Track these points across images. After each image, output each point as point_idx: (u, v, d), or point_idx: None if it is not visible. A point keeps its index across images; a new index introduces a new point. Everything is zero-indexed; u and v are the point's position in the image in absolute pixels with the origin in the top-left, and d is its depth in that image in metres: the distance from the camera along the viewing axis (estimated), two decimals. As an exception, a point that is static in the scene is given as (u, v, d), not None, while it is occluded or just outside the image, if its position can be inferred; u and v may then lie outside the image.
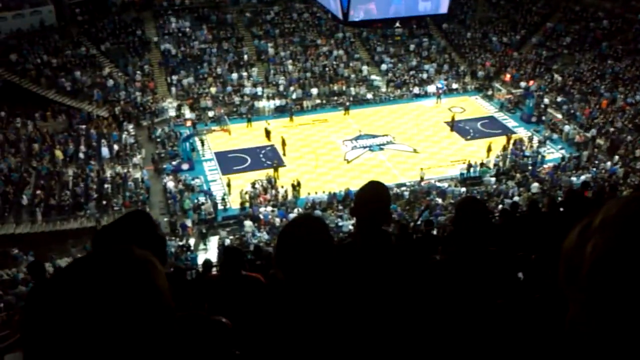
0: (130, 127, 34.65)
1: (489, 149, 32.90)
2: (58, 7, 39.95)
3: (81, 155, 31.53)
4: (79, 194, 28.32)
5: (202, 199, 29.04)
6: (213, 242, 26.46)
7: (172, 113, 37.11)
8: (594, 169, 30.19)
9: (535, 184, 28.45)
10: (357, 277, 2.73)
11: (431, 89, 40.87)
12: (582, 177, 27.98)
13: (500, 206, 22.09)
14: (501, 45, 43.96)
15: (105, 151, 31.97)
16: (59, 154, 30.87)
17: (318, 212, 27.36)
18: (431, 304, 3.09)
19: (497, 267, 3.41)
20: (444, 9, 33.18)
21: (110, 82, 37.31)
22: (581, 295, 0.97)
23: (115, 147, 32.54)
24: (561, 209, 9.33)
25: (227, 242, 25.00)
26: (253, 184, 29.79)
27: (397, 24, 35.29)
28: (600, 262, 0.94)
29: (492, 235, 3.38)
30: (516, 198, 26.26)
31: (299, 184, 29.78)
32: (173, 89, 38.77)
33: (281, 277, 2.23)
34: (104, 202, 28.19)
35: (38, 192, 27.70)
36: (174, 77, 39.27)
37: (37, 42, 37.87)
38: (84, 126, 33.89)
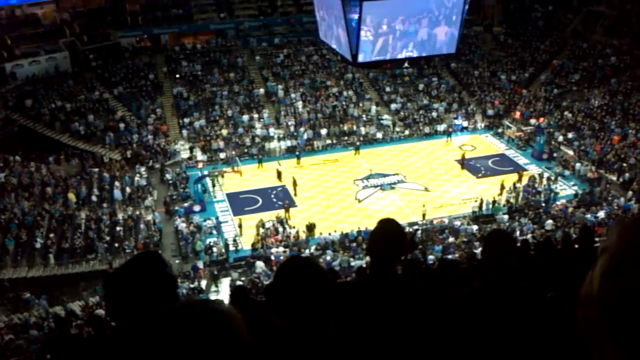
0: (143, 169, 34.92)
1: (502, 187, 32.77)
2: (73, 53, 40.89)
3: (94, 198, 31.71)
4: (91, 236, 28.39)
5: (213, 239, 29.01)
6: (225, 283, 26.29)
7: (184, 155, 37.43)
8: (608, 206, 29.91)
9: (550, 221, 28.20)
10: (368, 317, 2.67)
11: (442, 127, 41.03)
12: (601, 214, 27.82)
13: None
14: (510, 83, 44.24)
15: (117, 194, 32.17)
16: (72, 197, 31.07)
17: (329, 252, 27.23)
18: (455, 338, 3.02)
19: (527, 303, 3.33)
20: (452, 48, 33.49)
21: (123, 126, 37.82)
22: (597, 325, 0.97)
23: (128, 189, 32.75)
24: (576, 246, 9.20)
25: (239, 283, 24.84)
26: (263, 224, 29.74)
27: (406, 64, 35.59)
28: (607, 281, 0.97)
29: (523, 270, 3.32)
30: (530, 236, 25.99)
31: (313, 225, 29.69)
32: (185, 132, 39.19)
33: (279, 323, 2.18)
34: (116, 245, 28.23)
35: (51, 235, 27.79)
36: (186, 120, 39.75)
37: (51, 87, 38.63)
38: (96, 169, 34.20)
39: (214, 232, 30.11)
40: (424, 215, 30.68)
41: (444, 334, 2.98)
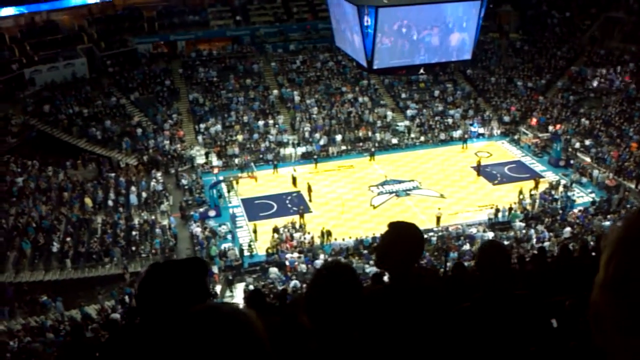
0: (159, 174, 35.14)
1: (520, 193, 32.55)
2: (90, 60, 41.33)
3: (110, 202, 31.96)
4: (107, 241, 28.61)
5: (228, 245, 29.10)
6: (239, 289, 26.34)
7: (199, 161, 37.62)
8: (626, 214, 29.56)
9: (567, 229, 27.93)
10: (389, 323, 2.67)
11: (457, 134, 40.87)
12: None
13: (532, 251, 21.68)
14: (526, 90, 43.97)
15: (133, 198, 32.39)
16: (88, 201, 31.35)
17: (342, 258, 27.19)
18: (462, 351, 3.00)
19: (527, 312, 3.31)
20: (467, 55, 33.45)
21: (139, 131, 38.11)
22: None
23: (144, 194, 32.97)
24: (593, 254, 9.11)
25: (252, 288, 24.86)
26: (277, 230, 29.78)
27: (422, 71, 35.57)
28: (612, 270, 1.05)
29: (516, 279, 3.33)
30: (547, 243, 25.76)
31: (329, 232, 29.66)
32: (200, 137, 39.40)
33: (308, 325, 2.18)
34: (132, 249, 28.41)
35: (67, 239, 28.05)
36: (202, 126, 39.97)
37: (69, 93, 39.05)
38: (113, 174, 34.47)
39: (229, 236, 30.17)
40: (438, 219, 30.68)
41: (454, 341, 2.97)
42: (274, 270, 26.50)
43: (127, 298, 24.68)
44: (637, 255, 1.03)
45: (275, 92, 43.48)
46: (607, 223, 27.74)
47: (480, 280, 3.31)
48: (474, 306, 3.36)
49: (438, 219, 30.91)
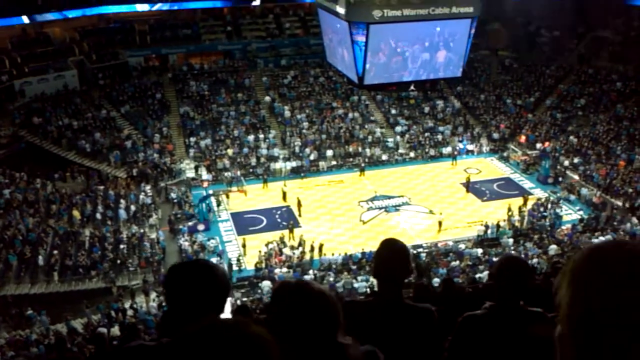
0: (148, 187, 34.98)
1: (509, 210, 32.69)
2: (81, 72, 41.26)
3: (98, 215, 31.74)
4: (94, 254, 28.36)
5: (215, 259, 28.92)
6: (227, 303, 26.11)
7: (189, 174, 37.50)
8: (613, 232, 29.74)
9: (554, 246, 28.05)
10: (375, 335, 2.66)
11: (447, 150, 41.07)
12: (607, 238, 27.60)
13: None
14: (515, 107, 44.34)
15: (122, 212, 32.19)
16: (76, 214, 31.12)
17: (332, 273, 27.13)
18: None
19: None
20: (458, 72, 33.72)
21: (129, 144, 37.98)
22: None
23: (132, 207, 32.78)
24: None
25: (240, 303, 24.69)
26: (267, 244, 29.66)
27: (412, 87, 35.78)
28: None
29: (532, 296, 3.31)
30: (535, 260, 25.85)
31: (320, 247, 29.52)
32: (191, 151, 39.32)
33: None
34: (119, 262, 28.18)
35: (54, 252, 27.79)
36: (192, 139, 39.90)
37: (59, 105, 38.90)
38: (102, 187, 34.28)
39: (218, 248, 30.02)
40: (440, 224, 31.42)
41: (453, 354, 2.96)
42: (266, 284, 26.32)
43: (112, 313, 24.44)
44: (590, 287, 1.08)
45: (266, 106, 43.52)
46: (596, 241, 27.89)
47: (495, 291, 3.28)
48: (485, 315, 3.32)
49: (440, 223, 31.37)
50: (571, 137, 39.48)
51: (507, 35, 49.97)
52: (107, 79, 42.24)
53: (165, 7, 46.73)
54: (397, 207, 34.51)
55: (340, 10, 31.12)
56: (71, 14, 43.21)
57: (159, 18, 48.18)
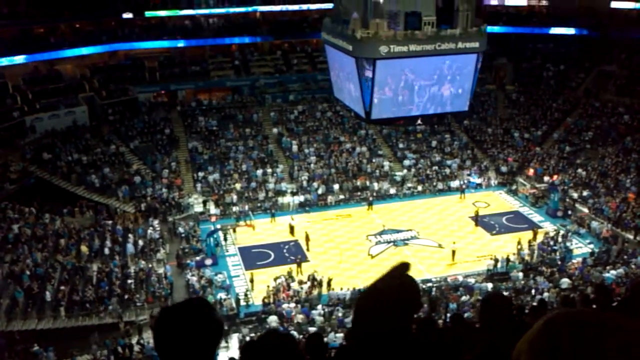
0: (156, 222, 35.02)
1: (519, 243, 32.44)
2: (91, 108, 41.73)
3: (106, 250, 31.73)
4: (102, 289, 28.26)
5: (223, 294, 28.74)
6: (234, 339, 25.88)
7: (197, 209, 37.56)
8: (624, 265, 29.39)
9: (566, 280, 27.71)
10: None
11: (455, 184, 41.01)
12: (619, 271, 27.41)
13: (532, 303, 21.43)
14: (523, 141, 44.37)
15: (129, 246, 32.17)
16: (84, 249, 31.13)
17: (340, 308, 26.84)
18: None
19: None
20: (464, 106, 33.91)
21: (138, 179, 38.17)
22: None
23: (140, 242, 32.77)
24: (594, 306, 9.00)
25: (248, 339, 24.42)
26: (275, 279, 29.48)
27: (419, 121, 35.97)
28: None
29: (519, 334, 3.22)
30: (546, 294, 25.51)
31: (329, 281, 29.31)
32: (199, 185, 39.45)
33: None
34: (127, 298, 28.04)
35: (62, 287, 27.72)
36: (200, 174, 40.07)
37: (69, 140, 39.26)
38: (110, 221, 34.34)
39: (226, 282, 29.83)
40: (453, 253, 31.48)
41: None
42: (273, 319, 26.07)
43: (119, 349, 24.22)
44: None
45: (274, 141, 43.78)
46: (607, 275, 27.56)
47: (480, 334, 3.23)
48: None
49: (454, 253, 31.33)
50: (580, 170, 39.38)
51: (513, 69, 50.37)
52: (116, 114, 42.70)
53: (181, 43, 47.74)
54: (406, 241, 34.32)
55: (347, 46, 31.49)
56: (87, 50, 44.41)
57: (168, 55, 48.96)
